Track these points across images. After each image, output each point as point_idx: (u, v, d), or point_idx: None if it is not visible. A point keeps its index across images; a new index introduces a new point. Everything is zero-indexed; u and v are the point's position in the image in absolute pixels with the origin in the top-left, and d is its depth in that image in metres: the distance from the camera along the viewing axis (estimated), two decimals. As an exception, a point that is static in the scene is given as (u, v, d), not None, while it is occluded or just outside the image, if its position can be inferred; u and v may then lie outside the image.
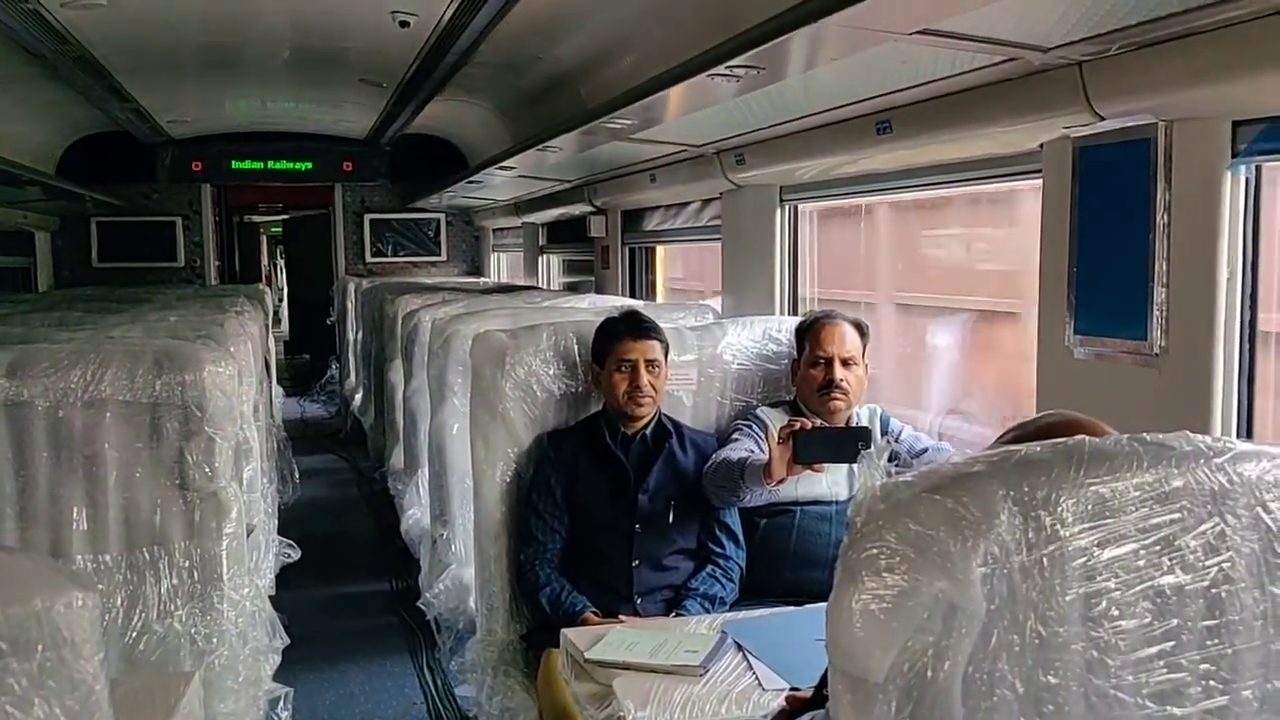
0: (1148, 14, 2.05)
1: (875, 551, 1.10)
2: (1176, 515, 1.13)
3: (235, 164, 9.98)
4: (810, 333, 3.26)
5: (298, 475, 6.39)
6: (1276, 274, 2.33)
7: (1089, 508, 1.11)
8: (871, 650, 1.11)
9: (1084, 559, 1.11)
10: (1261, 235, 2.29)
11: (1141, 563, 1.12)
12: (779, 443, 2.77)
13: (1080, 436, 1.18)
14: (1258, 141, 2.19)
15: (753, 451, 3.05)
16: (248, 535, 3.11)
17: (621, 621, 2.82)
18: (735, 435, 3.21)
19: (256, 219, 16.76)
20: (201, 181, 10.04)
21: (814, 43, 2.43)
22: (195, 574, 2.80)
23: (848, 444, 2.76)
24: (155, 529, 2.80)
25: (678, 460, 3.13)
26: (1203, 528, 1.13)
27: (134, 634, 2.73)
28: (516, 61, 5.23)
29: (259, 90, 7.59)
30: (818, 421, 2.97)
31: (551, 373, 3.26)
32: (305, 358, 13.80)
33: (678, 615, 2.91)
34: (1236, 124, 2.21)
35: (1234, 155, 2.23)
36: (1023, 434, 1.42)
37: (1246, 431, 2.29)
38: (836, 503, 3.13)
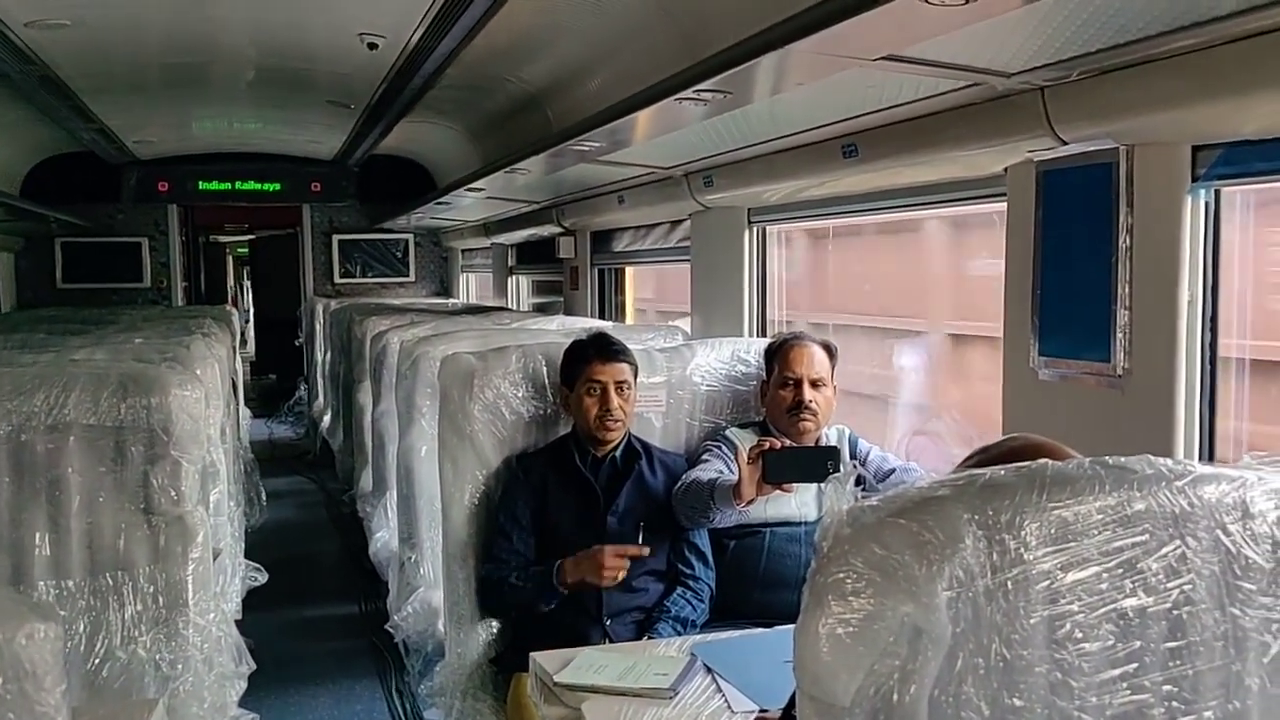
0: (1107, 41, 2.08)
1: (841, 576, 1.10)
2: (1139, 538, 1.14)
3: (202, 185, 9.91)
4: (779, 354, 3.28)
5: (265, 498, 6.35)
6: (1236, 296, 2.36)
7: (1052, 531, 1.12)
8: (838, 674, 1.11)
9: (1047, 582, 1.12)
10: (1221, 258, 2.32)
11: (1104, 585, 1.13)
12: (749, 463, 2.78)
13: (1043, 460, 1.19)
14: (1217, 166, 2.22)
15: (722, 472, 3.06)
16: (214, 559, 3.08)
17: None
18: (705, 456, 3.21)
19: (223, 239, 16.66)
20: (168, 202, 9.96)
21: (780, 68, 2.45)
22: (160, 599, 2.78)
23: (817, 464, 2.77)
24: (119, 554, 2.77)
25: (647, 481, 3.13)
26: (1164, 550, 1.14)
27: (97, 661, 2.70)
28: (484, 84, 5.23)
29: (225, 111, 7.55)
30: (787, 442, 2.99)
31: (520, 395, 3.26)
32: (272, 378, 13.71)
33: (650, 638, 2.90)
34: (1196, 149, 2.24)
35: (1194, 179, 2.26)
36: (986, 458, 1.43)
37: (1209, 453, 2.32)
38: (806, 524, 3.14)
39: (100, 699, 2.66)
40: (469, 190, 6.03)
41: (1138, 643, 1.14)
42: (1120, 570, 1.13)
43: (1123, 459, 1.18)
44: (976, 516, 1.11)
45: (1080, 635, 1.12)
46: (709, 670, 2.44)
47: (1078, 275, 2.49)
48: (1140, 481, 1.16)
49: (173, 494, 2.81)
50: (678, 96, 2.78)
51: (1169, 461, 1.19)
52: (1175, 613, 1.14)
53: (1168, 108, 2.17)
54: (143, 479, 2.80)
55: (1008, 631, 1.11)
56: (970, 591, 1.10)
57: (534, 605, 2.97)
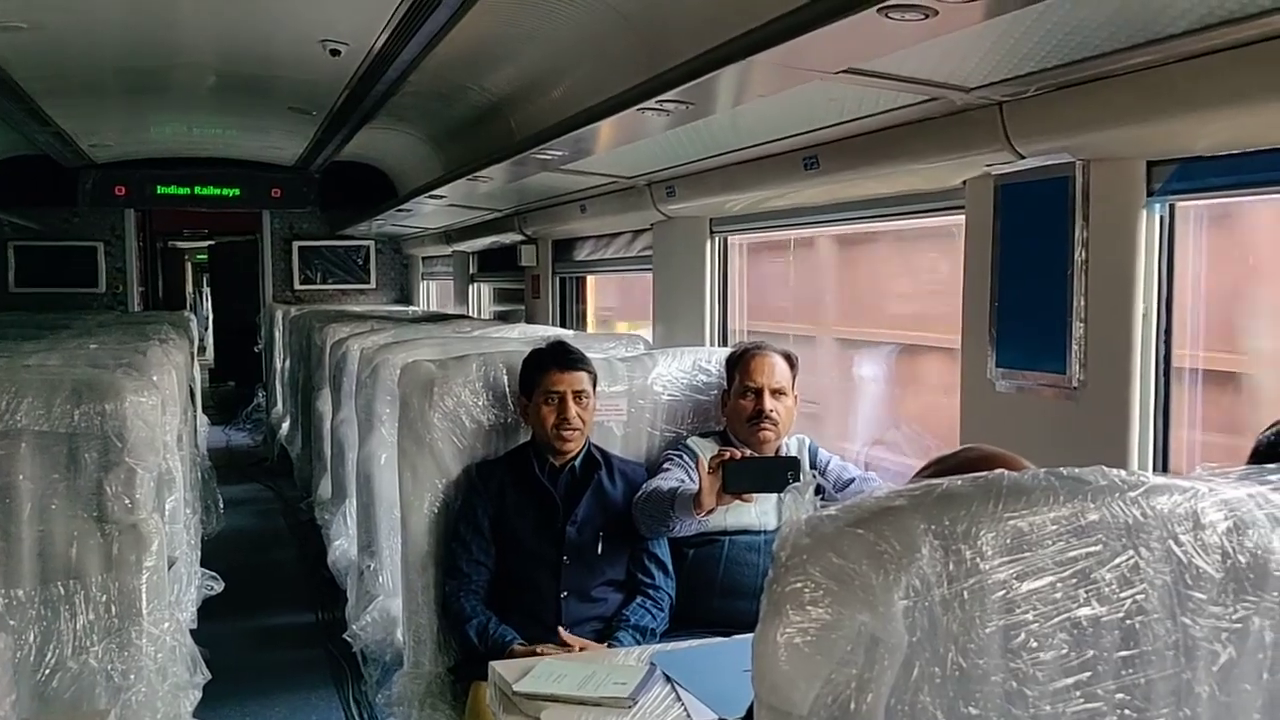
0: (1064, 58, 2.11)
1: (800, 585, 1.10)
2: (1092, 548, 1.15)
3: (160, 189, 9.79)
4: (740, 363, 3.29)
5: (222, 505, 6.27)
6: (1190, 310, 2.40)
7: (1008, 541, 1.13)
8: (796, 683, 1.11)
9: (1003, 592, 1.12)
10: (1175, 272, 2.36)
11: (1059, 595, 1.14)
12: (709, 472, 2.79)
13: (999, 470, 1.20)
14: (1171, 181, 2.25)
15: (683, 481, 3.06)
16: (169, 567, 3.04)
17: (562, 645, 2.82)
18: (665, 465, 3.22)
19: (182, 245, 16.49)
20: (124, 206, 9.84)
21: (742, 79, 2.47)
22: (113, 608, 2.74)
23: (777, 474, 2.78)
24: (71, 563, 2.73)
25: (606, 491, 3.13)
26: (1118, 560, 1.15)
27: (47, 671, 2.65)
28: (447, 91, 5.22)
29: (185, 115, 7.48)
30: (748, 451, 3.00)
31: (480, 403, 3.25)
32: (230, 385, 13.59)
33: (609, 647, 2.90)
34: (1151, 164, 2.28)
35: (1149, 194, 2.29)
36: (943, 468, 1.44)
37: (1162, 463, 2.35)
38: (765, 533, 3.15)
39: (50, 710, 2.61)
40: (431, 197, 6.01)
41: (1091, 652, 1.14)
42: (1074, 580, 1.14)
43: (1077, 470, 1.19)
44: (933, 526, 1.12)
45: (1035, 644, 1.13)
46: (668, 679, 2.44)
47: (1034, 288, 2.52)
48: (1094, 492, 1.17)
49: (127, 502, 2.77)
50: (640, 106, 2.79)
51: (1122, 472, 1.20)
52: (1128, 622, 1.15)
53: (1123, 123, 2.21)
54: (96, 486, 2.76)
55: (963, 640, 1.11)
56: (926, 601, 1.10)
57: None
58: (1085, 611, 1.15)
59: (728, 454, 2.81)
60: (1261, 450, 1.66)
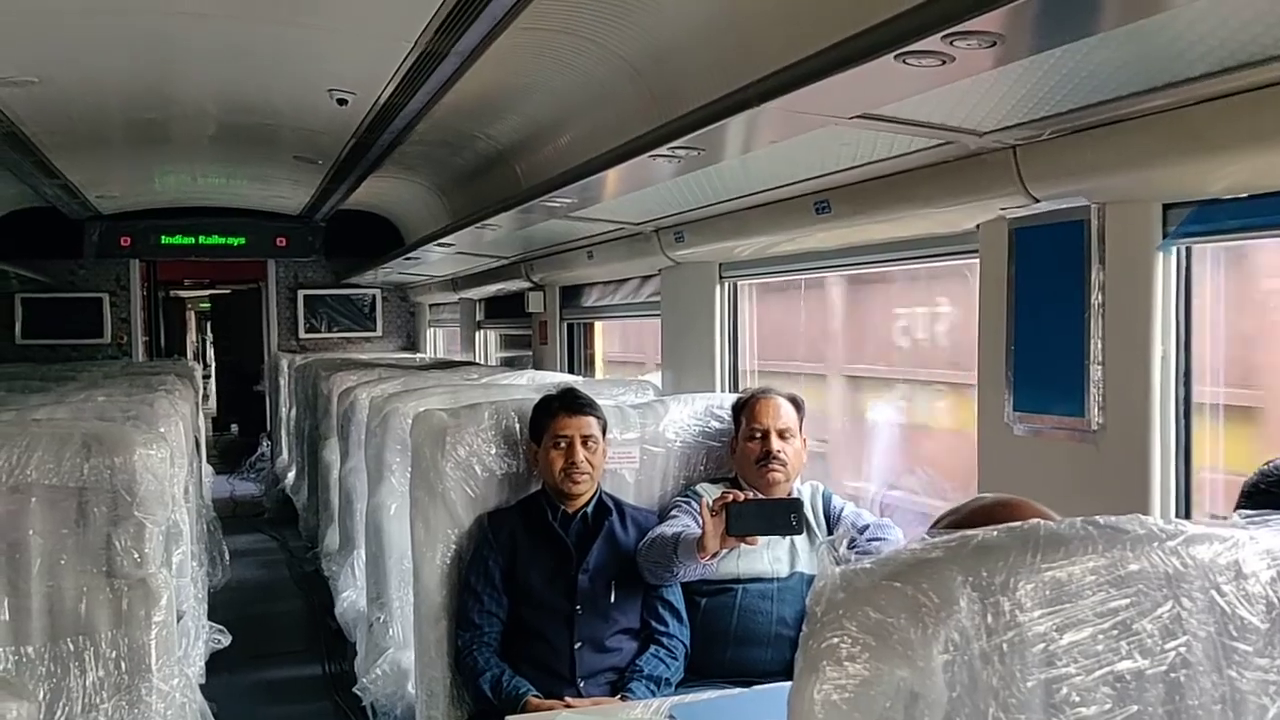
0: (1079, 101, 2.11)
1: (836, 640, 1.08)
2: (1132, 599, 1.13)
3: (165, 239, 9.81)
4: (746, 407, 3.28)
5: (228, 557, 6.23)
6: (1209, 352, 2.38)
7: (1046, 593, 1.11)
8: (834, 741, 1.09)
9: (1043, 644, 1.10)
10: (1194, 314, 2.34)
11: (1100, 647, 1.11)
12: (713, 515, 2.76)
13: (1035, 520, 1.18)
14: (1187, 224, 2.24)
15: (689, 526, 3.03)
16: (177, 622, 3.01)
17: (567, 705, 2.77)
18: (674, 511, 3.20)
19: (184, 294, 16.54)
20: (130, 257, 9.88)
21: (753, 125, 2.47)
22: (122, 665, 2.70)
23: (780, 515, 2.76)
24: (80, 618, 2.69)
25: (618, 539, 3.10)
26: (1159, 611, 1.13)
27: (57, 729, 2.62)
28: (454, 140, 5.24)
29: (189, 166, 7.50)
30: (752, 494, 2.97)
31: (493, 452, 3.23)
32: (234, 432, 13.57)
33: (624, 698, 2.86)
34: (1166, 207, 2.27)
35: (1164, 236, 2.28)
36: (958, 518, 1.41)
37: (1185, 507, 2.33)
38: (778, 579, 3.12)
39: (60, 769, 2.58)
40: (438, 245, 6.02)
41: (1135, 706, 1.12)
42: (1115, 631, 1.12)
43: (1114, 518, 1.17)
44: (970, 578, 1.10)
45: (1077, 699, 1.11)
46: (687, 732, 2.40)
47: (1051, 331, 2.50)
48: (1132, 541, 1.15)
49: (136, 556, 2.75)
50: (651, 153, 2.79)
51: (1160, 521, 1.18)
52: (1172, 675, 1.13)
53: (1138, 167, 2.20)
54: (105, 541, 2.73)
55: (1004, 695, 1.09)
56: (966, 655, 1.08)
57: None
58: (1127, 664, 1.12)
59: (730, 496, 2.78)
60: (1247, 493, 1.65)
